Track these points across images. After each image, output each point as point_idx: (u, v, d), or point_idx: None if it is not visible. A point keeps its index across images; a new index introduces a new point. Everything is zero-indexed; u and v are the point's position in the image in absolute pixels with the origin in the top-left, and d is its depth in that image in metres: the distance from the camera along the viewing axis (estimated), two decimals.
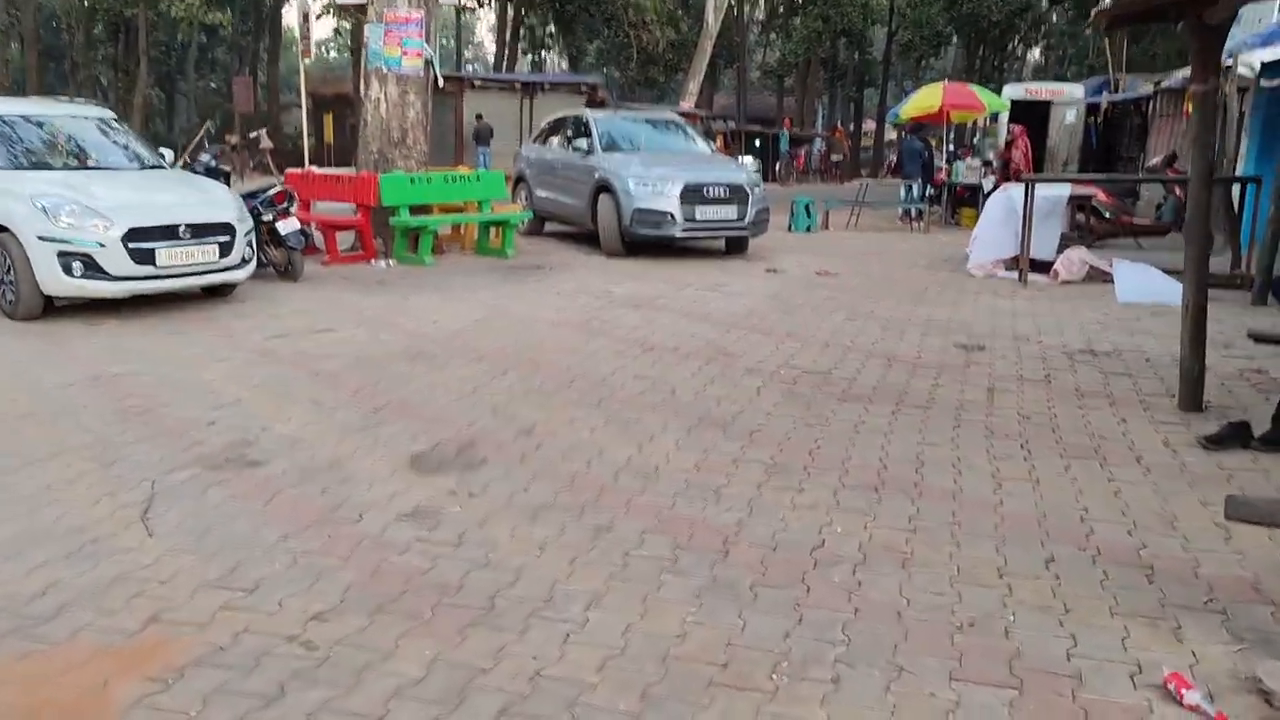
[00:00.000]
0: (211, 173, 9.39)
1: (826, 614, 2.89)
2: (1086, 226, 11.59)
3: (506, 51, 35.98)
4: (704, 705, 2.43)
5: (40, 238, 6.70)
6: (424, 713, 2.38)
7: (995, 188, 12.57)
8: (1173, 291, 8.89)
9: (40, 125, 7.90)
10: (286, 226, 8.65)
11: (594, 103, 24.17)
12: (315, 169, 10.97)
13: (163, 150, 8.84)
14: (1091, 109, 19.87)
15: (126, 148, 8.25)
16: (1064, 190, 10.33)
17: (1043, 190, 9.69)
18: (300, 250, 8.86)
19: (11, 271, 6.85)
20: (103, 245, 6.75)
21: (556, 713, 2.39)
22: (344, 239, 10.48)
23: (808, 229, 14.60)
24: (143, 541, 3.34)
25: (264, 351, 6.18)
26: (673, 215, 10.39)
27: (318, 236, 10.17)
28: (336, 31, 45.13)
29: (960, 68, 39.58)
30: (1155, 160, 13.75)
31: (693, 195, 10.45)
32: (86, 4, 32.90)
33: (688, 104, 24.00)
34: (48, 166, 7.56)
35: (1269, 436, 4.33)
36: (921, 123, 16.66)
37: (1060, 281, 9.55)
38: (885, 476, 4.05)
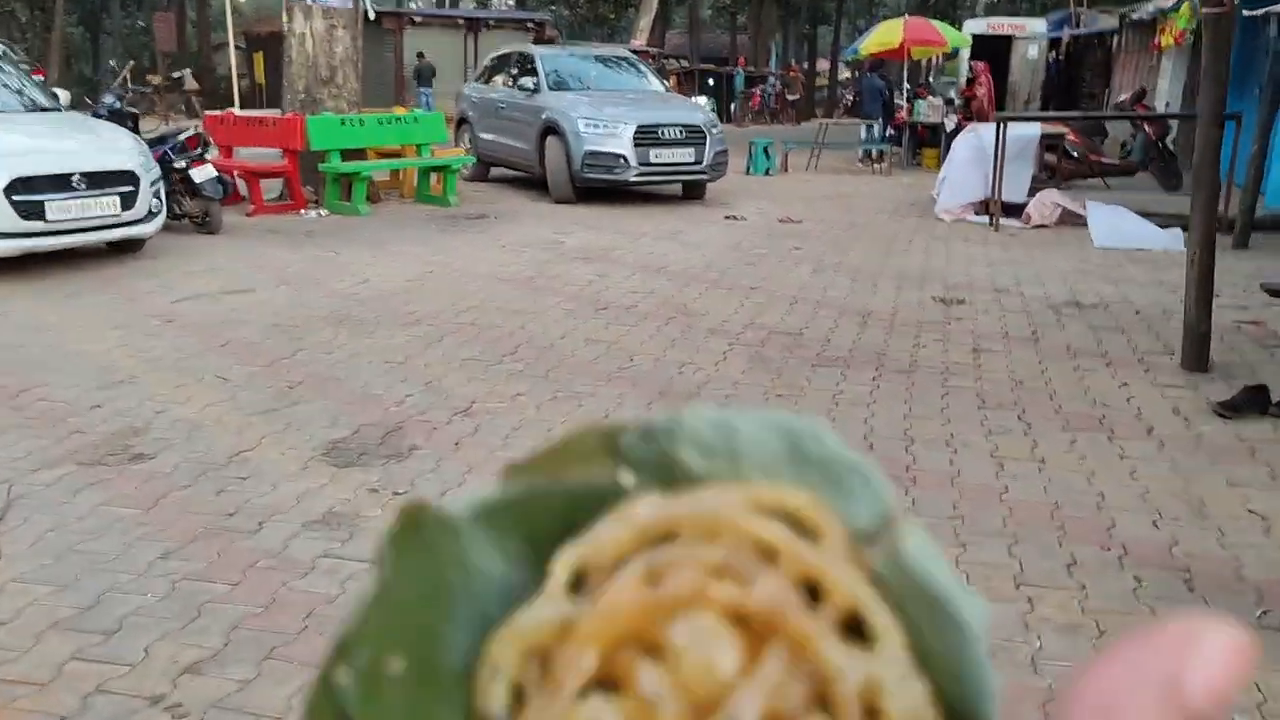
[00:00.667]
0: (117, 116, 8.51)
1: None
2: (1055, 167, 11.15)
3: None
4: None
5: None
6: None
7: (958, 128, 12.06)
8: (1149, 236, 8.51)
9: None
10: (201, 174, 7.86)
11: (541, 40, 23.16)
12: (236, 111, 10.09)
13: (56, 91, 7.96)
14: (1053, 44, 19.40)
15: (13, 88, 7.38)
16: (1035, 130, 9.85)
17: (1013, 130, 9.20)
18: (219, 200, 8.09)
19: None
20: None
21: None
22: (271, 187, 9.68)
23: (767, 171, 14.01)
24: None
25: (169, 317, 5.50)
26: (626, 158, 9.73)
27: (242, 185, 9.37)
28: None
29: (914, 3, 38.82)
30: (1124, 97, 13.32)
31: (647, 137, 9.79)
32: None
33: (639, 41, 23.10)
34: None
35: None
36: (881, 59, 16.05)
37: (1033, 225, 9.12)
38: (873, 458, 3.56)
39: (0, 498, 3.15)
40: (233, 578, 2.69)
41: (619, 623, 0.23)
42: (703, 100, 21.26)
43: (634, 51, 15.88)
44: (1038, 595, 2.63)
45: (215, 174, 8.02)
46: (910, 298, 6.21)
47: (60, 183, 6.29)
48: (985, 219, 9.30)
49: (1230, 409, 3.94)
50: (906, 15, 18.29)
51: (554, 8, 40.31)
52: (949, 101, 15.15)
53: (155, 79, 23.00)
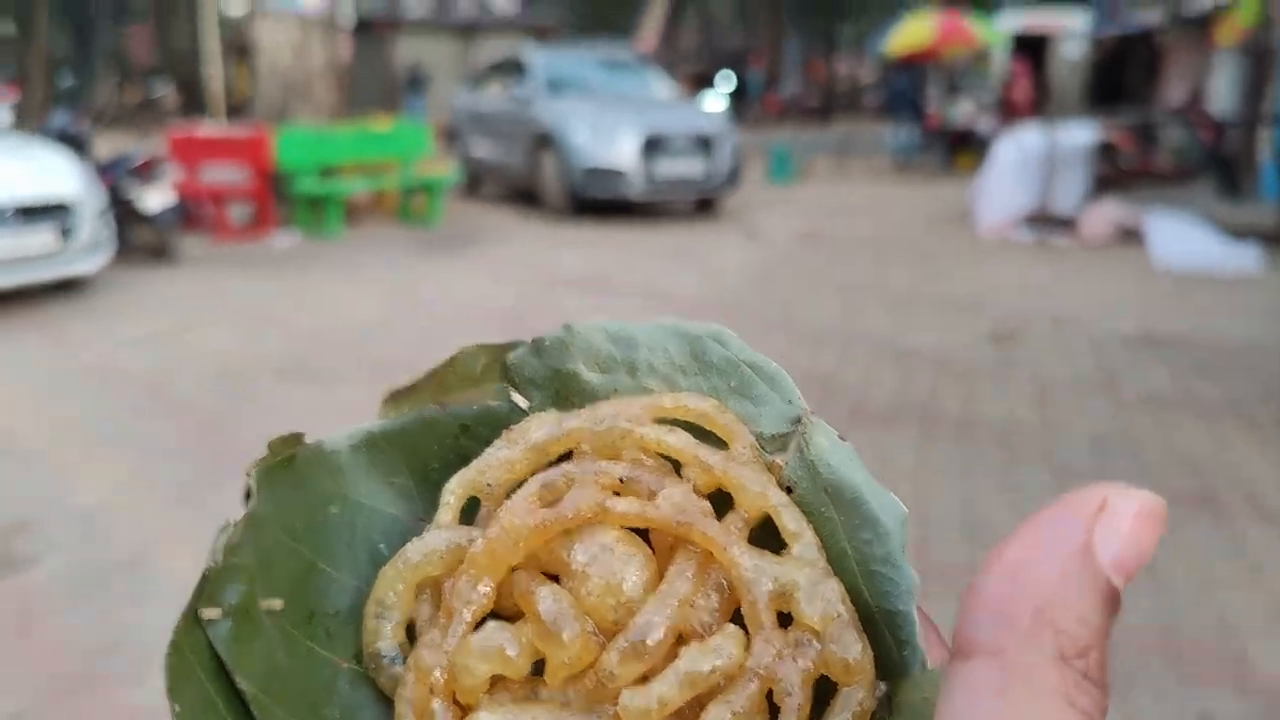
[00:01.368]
0: (67, 139, 7.70)
1: None
2: (1107, 176, 10.16)
3: None
4: None
5: None
6: None
7: (994, 133, 11.10)
8: (1218, 254, 7.52)
9: None
10: (155, 201, 7.05)
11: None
12: (204, 128, 9.28)
13: None
14: (1095, 43, 18.28)
15: None
16: (1089, 136, 8.86)
17: (1064, 135, 8.24)
18: (175, 228, 7.27)
19: None
20: None
21: None
22: (241, 210, 8.85)
23: (786, 179, 13.08)
24: None
25: (94, 368, 4.68)
26: (629, 173, 8.83)
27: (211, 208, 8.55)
28: None
29: None
30: (1177, 102, 12.29)
31: (654, 147, 8.88)
32: None
33: (648, 42, 22.23)
34: None
35: None
36: (910, 60, 15.05)
37: (1086, 243, 8.14)
38: (929, 557, 2.65)
39: None
40: None
41: (514, 548, 0.21)
42: (716, 102, 20.29)
43: (641, 54, 14.98)
44: None
45: (174, 200, 7.21)
46: (957, 333, 5.28)
47: None
48: (1032, 234, 8.34)
49: None
50: (935, 9, 17.26)
51: (561, 10, 39.49)
52: (985, 105, 14.16)
53: (132, 95, 22.14)
